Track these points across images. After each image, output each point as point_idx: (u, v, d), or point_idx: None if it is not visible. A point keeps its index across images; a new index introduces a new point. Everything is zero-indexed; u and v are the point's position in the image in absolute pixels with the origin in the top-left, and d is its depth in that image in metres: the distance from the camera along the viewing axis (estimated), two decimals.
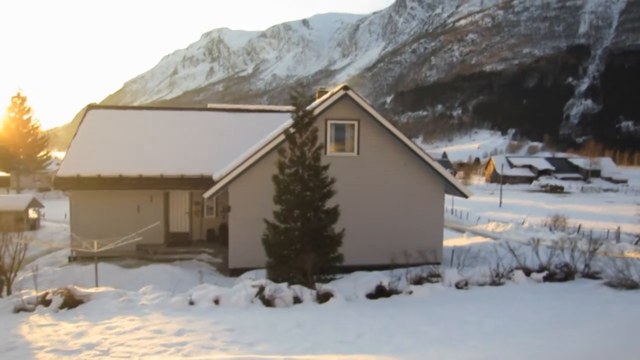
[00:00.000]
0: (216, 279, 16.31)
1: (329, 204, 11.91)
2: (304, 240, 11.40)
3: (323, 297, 9.35)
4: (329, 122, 16.52)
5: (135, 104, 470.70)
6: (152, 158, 18.48)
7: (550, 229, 30.32)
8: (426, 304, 8.79)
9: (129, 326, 7.23)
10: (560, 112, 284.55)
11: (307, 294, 9.54)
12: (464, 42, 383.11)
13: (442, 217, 17.94)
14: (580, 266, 11.22)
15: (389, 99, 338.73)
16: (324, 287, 9.55)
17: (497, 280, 10.58)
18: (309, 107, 15.18)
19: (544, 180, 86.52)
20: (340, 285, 10.38)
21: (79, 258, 18.24)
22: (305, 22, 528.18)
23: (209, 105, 22.80)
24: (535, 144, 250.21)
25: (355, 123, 16.76)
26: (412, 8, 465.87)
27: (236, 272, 15.93)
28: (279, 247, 11.60)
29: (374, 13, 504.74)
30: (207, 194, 15.81)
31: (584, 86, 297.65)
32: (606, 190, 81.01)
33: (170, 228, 19.53)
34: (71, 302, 8.72)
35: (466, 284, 10.27)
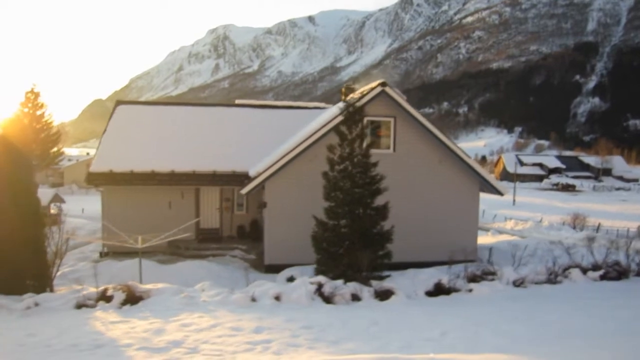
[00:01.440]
0: (252, 275, 16.26)
1: (378, 200, 11.79)
2: (353, 237, 11.30)
3: (383, 295, 9.24)
4: (365, 119, 16.35)
5: (142, 99, 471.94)
6: (184, 154, 18.40)
7: (574, 228, 30.05)
8: (491, 301, 8.67)
9: (204, 323, 7.14)
10: (567, 110, 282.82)
11: (365, 291, 9.44)
12: (471, 39, 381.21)
13: (477, 215, 17.80)
14: (632, 265, 11.08)
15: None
16: (384, 285, 9.44)
17: (552, 278, 10.44)
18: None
19: (555, 178, 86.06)
20: (393, 283, 10.26)
21: (111, 253, 18.23)
22: (311, 18, 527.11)
23: (236, 101, 22.68)
24: (542, 142, 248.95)
25: (392, 120, 16.61)
26: (418, 5, 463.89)
27: (272, 269, 15.83)
28: (328, 244, 11.51)
29: (380, 10, 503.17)
30: (244, 190, 15.73)
31: (591, 84, 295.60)
32: (618, 189, 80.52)
33: (200, 224, 19.45)
34: (132, 298, 8.64)
35: (522, 282, 10.13)
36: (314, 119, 20.93)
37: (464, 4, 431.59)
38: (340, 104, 16.73)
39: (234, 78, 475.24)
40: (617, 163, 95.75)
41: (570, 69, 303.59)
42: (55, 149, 60.07)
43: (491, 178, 17.48)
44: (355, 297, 9.37)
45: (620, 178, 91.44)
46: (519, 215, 43.10)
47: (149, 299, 8.75)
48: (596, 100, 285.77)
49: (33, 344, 5.95)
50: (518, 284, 10.02)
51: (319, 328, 7.04)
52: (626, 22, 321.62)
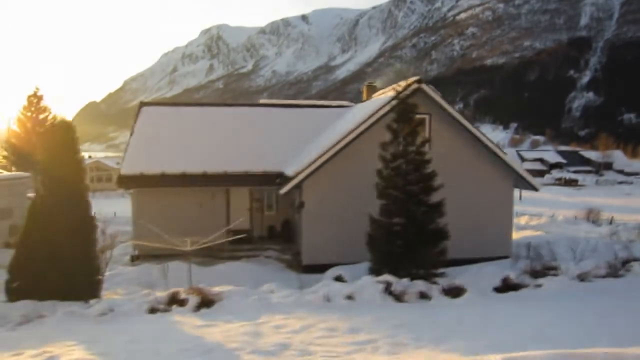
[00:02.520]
0: (289, 275, 16.13)
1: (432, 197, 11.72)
2: (408, 235, 11.21)
3: (454, 292, 9.17)
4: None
5: (136, 101, 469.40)
6: (215, 155, 18.28)
7: (593, 222, 30.08)
8: (570, 297, 8.63)
9: (295, 325, 7.04)
10: (562, 105, 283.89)
11: (433, 289, 9.36)
12: (465, 36, 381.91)
13: (511, 211, 17.77)
14: None
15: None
16: (454, 282, 9.36)
17: (613, 272, 10.40)
18: (378, 99, 15.00)
19: (556, 173, 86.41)
20: (457, 279, 10.19)
21: (142, 256, 18.06)
22: (304, 17, 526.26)
23: (260, 101, 22.56)
24: (538, 137, 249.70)
25: (427, 117, 16.52)
26: (411, 2, 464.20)
27: (310, 269, 15.72)
28: (382, 242, 11.42)
29: (374, 8, 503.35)
30: (283, 190, 15.61)
31: (585, 79, 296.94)
32: (620, 182, 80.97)
33: (230, 225, 19.30)
34: (206, 301, 8.52)
35: (586, 276, 10.09)
36: (339, 117, 20.85)
37: (457, 1, 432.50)
38: (376, 102, 16.59)
39: (228, 78, 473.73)
40: (618, 157, 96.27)
41: (564, 64, 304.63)
42: None
43: (526, 174, 17.45)
44: (424, 295, 9.29)
45: (621, 172, 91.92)
46: (529, 211, 43.15)
47: (222, 302, 8.63)
48: (590, 95, 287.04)
49: (140, 350, 5.82)
50: (583, 278, 9.98)
51: (410, 327, 6.96)
52: (619, 17, 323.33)
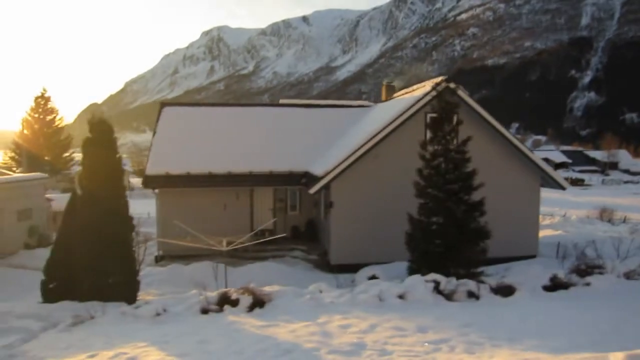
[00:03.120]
0: (317, 275, 16.06)
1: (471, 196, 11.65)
2: (449, 234, 11.15)
3: (504, 291, 9.09)
4: (428, 116, 16.23)
5: (137, 103, 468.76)
6: (239, 155, 18.25)
7: (608, 221, 29.99)
8: (622, 294, 8.57)
9: (360, 325, 6.97)
10: (563, 105, 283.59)
11: (482, 288, 9.28)
12: (465, 36, 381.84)
13: (538, 210, 17.71)
14: None
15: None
16: (505, 281, 9.29)
17: None
18: (402, 98, 14.95)
19: (562, 173, 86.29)
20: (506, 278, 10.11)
21: (167, 257, 18.01)
22: (305, 19, 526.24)
23: (280, 101, 22.51)
24: (539, 137, 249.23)
25: (454, 116, 16.45)
26: (412, 3, 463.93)
27: (338, 269, 15.67)
28: (423, 241, 11.36)
29: (374, 9, 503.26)
30: (312, 190, 15.55)
31: (587, 79, 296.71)
32: (626, 182, 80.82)
33: (254, 225, 19.24)
34: (259, 301, 8.45)
35: (632, 274, 10.01)
36: (361, 117, 20.82)
37: (457, 1, 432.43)
38: (402, 102, 16.47)
39: (229, 80, 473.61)
40: (623, 156, 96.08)
41: (565, 64, 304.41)
42: (66, 154, 59.61)
43: (553, 172, 17.41)
44: (472, 295, 9.21)
45: (627, 171, 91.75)
46: (540, 210, 43.02)
47: (274, 302, 8.55)
48: (592, 94, 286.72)
49: (217, 351, 5.75)
50: (630, 276, 9.90)
51: (476, 326, 6.89)
52: (620, 17, 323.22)
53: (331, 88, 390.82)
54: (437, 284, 9.27)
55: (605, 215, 34.74)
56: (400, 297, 8.84)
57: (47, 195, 25.52)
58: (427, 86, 16.85)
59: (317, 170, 16.29)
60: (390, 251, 15.29)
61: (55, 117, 59.61)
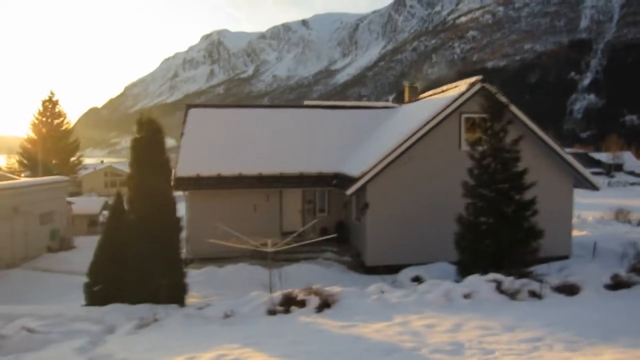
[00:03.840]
0: (353, 277, 15.96)
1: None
2: (500, 234, 11.06)
3: (568, 290, 8.99)
4: (463, 116, 16.19)
5: (137, 107, 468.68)
6: (269, 156, 18.17)
7: (629, 222, 29.91)
8: None
9: (443, 324, 6.86)
10: (563, 108, 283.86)
11: (543, 287, 9.17)
12: (465, 39, 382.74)
13: (571, 210, 17.64)
14: None
15: (390, 98, 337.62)
16: (569, 280, 9.19)
17: None
18: (438, 98, 14.88)
19: None
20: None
21: (196, 260, 17.88)
22: (304, 22, 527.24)
23: (305, 102, 22.44)
24: None
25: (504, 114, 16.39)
26: (411, 6, 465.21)
27: (373, 270, 15.60)
28: (473, 241, 11.27)
29: (374, 12, 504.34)
30: (349, 191, 15.46)
31: (586, 81, 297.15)
32: (632, 184, 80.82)
33: (283, 227, 19.12)
34: (326, 302, 8.34)
35: None
36: (387, 118, 20.76)
37: (457, 5, 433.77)
38: (436, 102, 16.35)
39: (229, 83, 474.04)
40: (628, 158, 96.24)
41: (565, 67, 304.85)
42: (74, 158, 59.51)
43: (586, 172, 17.33)
44: (534, 294, 9.11)
45: (632, 173, 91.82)
46: None
47: (340, 302, 8.42)
48: (592, 97, 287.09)
49: (316, 352, 5.62)
50: None
51: (561, 325, 6.77)
52: (619, 19, 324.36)
53: (331, 91, 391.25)
54: (498, 283, 9.17)
55: (621, 216, 34.68)
56: (466, 296, 8.73)
57: (69, 199, 25.42)
58: (460, 86, 16.80)
59: (352, 171, 16.21)
60: (428, 252, 15.24)
61: (62, 120, 59.61)
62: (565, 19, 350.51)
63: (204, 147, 18.44)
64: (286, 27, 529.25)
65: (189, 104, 20.85)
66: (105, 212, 29.83)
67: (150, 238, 10.73)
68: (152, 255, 10.82)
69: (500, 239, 10.97)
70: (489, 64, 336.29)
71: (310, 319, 7.64)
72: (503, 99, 15.97)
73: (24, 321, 8.90)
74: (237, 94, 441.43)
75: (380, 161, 15.24)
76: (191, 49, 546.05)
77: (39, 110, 58.11)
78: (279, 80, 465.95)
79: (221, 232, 14.17)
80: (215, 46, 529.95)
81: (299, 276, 14.53)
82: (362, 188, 15.67)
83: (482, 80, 15.84)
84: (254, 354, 5.51)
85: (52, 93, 59.67)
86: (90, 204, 28.14)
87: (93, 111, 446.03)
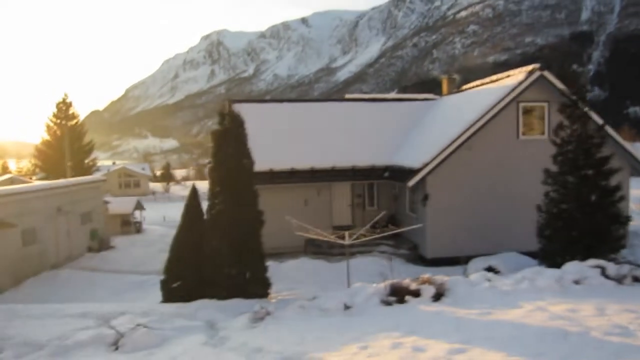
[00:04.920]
0: (416, 269, 15.75)
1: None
2: (585, 221, 10.86)
3: None
4: (520, 105, 16.00)
5: (138, 109, 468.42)
6: (320, 150, 18.01)
7: None
8: None
9: (585, 309, 6.68)
10: None
11: None
12: (466, 34, 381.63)
13: (628, 200, 17.40)
14: None
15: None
16: None
17: None
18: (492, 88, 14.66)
19: None
20: None
21: None
22: (304, 20, 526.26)
23: (346, 96, 22.26)
24: None
25: (545, 105, 16.22)
26: (410, 2, 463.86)
27: (434, 262, 15.43)
28: (556, 230, 11.08)
29: (373, 8, 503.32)
30: (411, 182, 15.29)
31: (589, 73, 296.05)
32: None
33: (333, 221, 18.96)
34: (441, 291, 8.17)
35: None
36: (428, 110, 20.59)
37: None
38: (490, 92, 16.05)
39: (230, 83, 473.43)
40: (638, 149, 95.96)
41: (567, 59, 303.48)
42: (88, 160, 59.39)
43: None
44: (637, 279, 8.95)
45: None
46: None
47: (451, 291, 8.26)
48: (595, 89, 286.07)
49: (499, 338, 5.42)
50: None
51: None
52: (620, 10, 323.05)
53: (332, 89, 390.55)
54: (602, 269, 9.00)
55: None
56: (576, 282, 8.57)
57: (106, 199, 25.28)
58: (515, 75, 16.62)
59: (408, 163, 16.05)
60: (491, 242, 15.08)
61: (76, 122, 59.49)
62: (566, 11, 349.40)
63: (252, 143, 18.21)
64: (286, 26, 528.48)
65: (232, 99, 20.66)
66: (137, 212, 29.69)
67: (240, 231, 10.57)
68: (235, 249, 10.67)
69: (587, 226, 10.78)
70: (490, 58, 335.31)
71: (433, 307, 7.48)
72: (552, 86, 15.83)
73: (128, 318, 8.77)
74: (238, 94, 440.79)
75: (442, 151, 15.07)
76: (191, 49, 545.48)
77: (54, 112, 57.99)
78: (279, 79, 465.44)
79: (295, 225, 13.95)
80: (215, 46, 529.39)
81: (366, 269, 14.44)
82: (422, 180, 15.49)
83: (540, 68, 15.61)
84: (427, 341, 5.35)
85: (65, 95, 59.54)
86: (123, 203, 27.99)
87: (95, 114, 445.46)
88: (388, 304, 8.04)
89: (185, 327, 8.26)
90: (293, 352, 5.44)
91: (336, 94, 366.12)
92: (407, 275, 13.84)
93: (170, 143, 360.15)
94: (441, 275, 9.16)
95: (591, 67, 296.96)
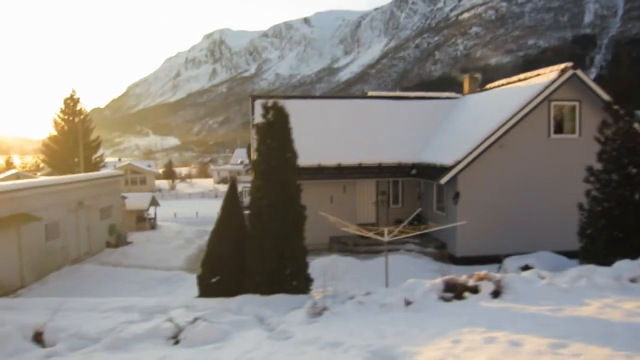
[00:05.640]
0: (445, 268, 15.64)
1: None
2: (628, 221, 10.76)
3: None
4: (552, 104, 15.90)
5: (140, 107, 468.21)
6: (347, 147, 17.90)
7: None
8: None
9: None
10: None
11: None
12: (468, 36, 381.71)
13: None
14: None
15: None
16: None
17: None
18: (525, 86, 14.55)
19: None
20: None
21: None
22: (306, 20, 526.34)
23: (369, 93, 22.15)
24: None
25: (577, 104, 16.13)
26: (413, 3, 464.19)
27: (463, 261, 15.33)
28: (599, 229, 10.97)
29: (376, 9, 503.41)
30: (443, 180, 15.19)
31: (591, 76, 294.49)
32: None
33: (357, 219, 18.85)
34: (499, 288, 8.06)
35: None
36: (452, 108, 20.49)
37: (459, 1, 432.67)
38: (520, 91, 15.94)
39: (231, 82, 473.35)
40: None
41: (569, 62, 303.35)
42: (96, 155, 59.25)
43: None
44: None
45: None
46: None
47: (509, 287, 8.14)
48: None
49: (594, 333, 5.32)
50: None
51: None
52: (623, 14, 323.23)
53: (334, 89, 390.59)
54: None
55: None
56: (632, 280, 8.47)
57: (123, 195, 25.15)
58: (545, 74, 16.51)
59: (436, 160, 15.98)
60: (523, 241, 14.98)
61: (84, 118, 59.31)
62: (569, 14, 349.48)
63: None
64: (288, 25, 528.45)
65: (253, 94, 20.55)
66: (152, 209, 29.53)
67: (276, 226, 10.45)
68: (277, 244, 10.54)
69: (633, 225, 10.67)
70: (493, 60, 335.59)
71: (497, 304, 7.37)
72: (584, 85, 15.73)
73: (180, 312, 8.65)
74: (239, 93, 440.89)
75: (475, 149, 14.98)
76: (193, 48, 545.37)
77: (61, 108, 57.83)
78: (281, 78, 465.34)
79: (333, 221, 13.82)
80: (217, 45, 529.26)
81: (395, 267, 14.31)
82: (453, 177, 15.39)
83: (573, 67, 15.51)
84: (518, 335, 5.24)
85: (73, 91, 59.32)
86: (138, 199, 27.83)
87: (96, 111, 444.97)
88: (446, 299, 7.93)
89: (238, 322, 8.13)
90: (380, 346, 5.32)
91: (338, 94, 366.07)
92: (440, 272, 13.77)
93: (172, 141, 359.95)
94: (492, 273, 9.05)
95: (593, 70, 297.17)
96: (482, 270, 13.76)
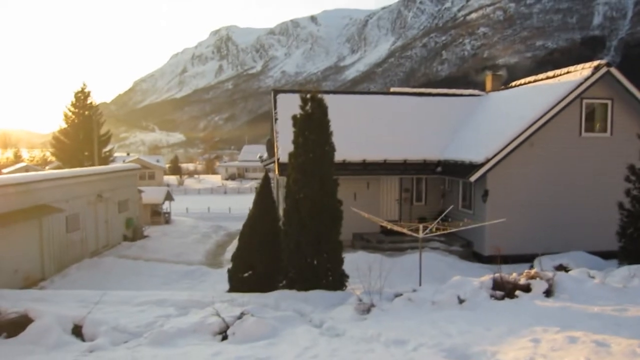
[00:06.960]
0: (474, 267, 15.41)
1: None
2: None
3: None
4: (584, 102, 15.60)
5: (146, 102, 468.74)
6: (373, 143, 17.66)
7: None
8: None
9: None
10: None
11: None
12: (476, 36, 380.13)
13: None
14: None
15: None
16: None
17: None
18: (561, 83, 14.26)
19: None
20: None
21: None
22: (313, 18, 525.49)
23: (391, 89, 21.88)
24: None
25: (609, 102, 15.82)
26: (421, 2, 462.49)
27: (490, 260, 15.05)
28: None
29: (383, 8, 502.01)
30: (473, 177, 14.93)
31: None
32: None
33: (380, 216, 18.59)
34: (552, 287, 7.82)
35: None
36: (476, 105, 20.21)
37: (467, 1, 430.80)
38: (551, 89, 15.60)
39: (237, 79, 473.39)
40: None
41: (577, 64, 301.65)
42: (106, 150, 59.23)
43: None
44: None
45: None
46: None
47: (560, 286, 7.92)
48: None
49: None
50: None
51: None
52: (632, 15, 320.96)
53: (340, 87, 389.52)
54: None
55: None
56: None
57: (139, 188, 25.00)
58: (577, 71, 16.21)
59: (470, 158, 15.65)
60: (554, 241, 14.69)
61: (95, 112, 59.23)
62: (578, 15, 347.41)
63: None
64: (295, 23, 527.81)
65: (275, 89, 20.34)
66: (167, 203, 29.39)
67: (314, 221, 10.23)
68: (314, 239, 10.32)
69: None
70: (500, 61, 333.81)
71: (553, 303, 7.15)
72: (620, 85, 15.42)
73: (222, 307, 8.45)
74: (245, 90, 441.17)
75: (506, 146, 14.73)
76: (200, 44, 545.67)
77: (72, 101, 57.80)
78: (287, 76, 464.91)
79: (367, 216, 13.59)
80: (224, 42, 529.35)
81: (426, 265, 14.04)
82: (482, 175, 15.12)
83: (607, 65, 15.21)
84: (600, 336, 5.02)
85: (84, 84, 59.21)
86: (153, 193, 27.69)
87: (102, 106, 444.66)
88: (497, 298, 7.70)
89: (281, 317, 7.93)
90: (451, 345, 5.11)
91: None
92: (468, 271, 13.59)
93: (177, 137, 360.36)
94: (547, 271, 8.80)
95: None
96: (512, 269, 13.58)
